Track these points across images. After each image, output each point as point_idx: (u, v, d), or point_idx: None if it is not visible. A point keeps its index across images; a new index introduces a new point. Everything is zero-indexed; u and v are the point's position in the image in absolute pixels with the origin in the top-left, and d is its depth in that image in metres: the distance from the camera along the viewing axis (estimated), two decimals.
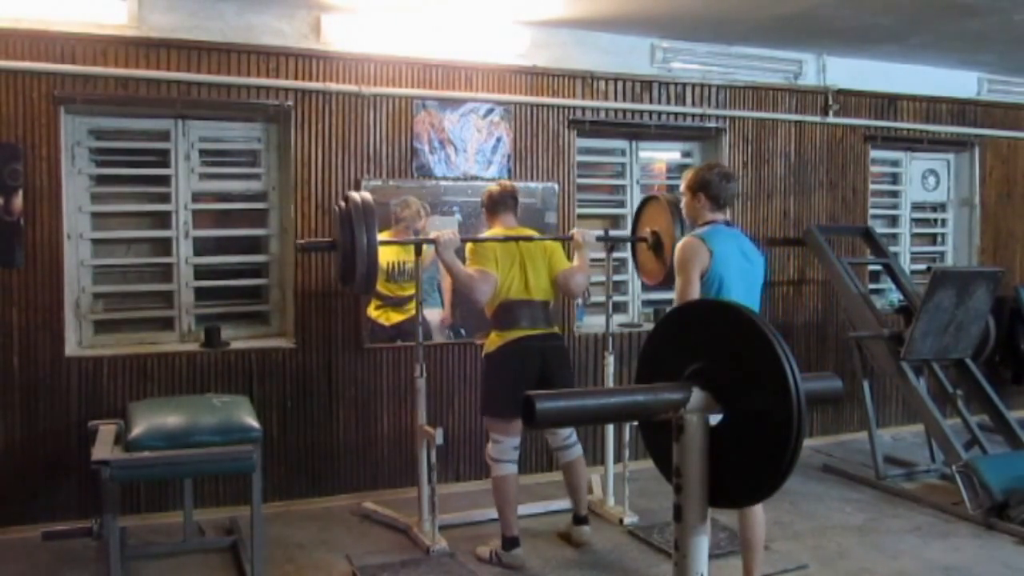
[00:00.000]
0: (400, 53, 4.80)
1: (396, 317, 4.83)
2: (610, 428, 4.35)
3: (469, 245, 4.04)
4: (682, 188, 3.57)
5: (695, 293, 3.24)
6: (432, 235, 4.04)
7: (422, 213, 4.88)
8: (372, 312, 4.85)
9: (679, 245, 3.37)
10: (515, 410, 3.73)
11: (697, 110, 5.58)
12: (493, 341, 3.95)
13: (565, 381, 3.94)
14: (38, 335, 4.24)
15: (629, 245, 5.65)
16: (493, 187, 4.19)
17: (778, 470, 1.69)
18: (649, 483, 4.63)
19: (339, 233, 3.86)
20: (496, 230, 4.09)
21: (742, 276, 3.33)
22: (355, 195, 3.90)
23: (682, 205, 3.64)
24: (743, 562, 3.42)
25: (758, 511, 3.36)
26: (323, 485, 4.74)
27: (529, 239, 4.06)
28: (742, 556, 3.43)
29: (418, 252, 4.12)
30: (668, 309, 3.44)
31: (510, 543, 3.88)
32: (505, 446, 3.91)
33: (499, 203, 4.10)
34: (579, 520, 4.13)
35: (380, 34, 4.74)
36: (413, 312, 4.28)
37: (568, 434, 4.09)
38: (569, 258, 4.33)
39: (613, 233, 4.81)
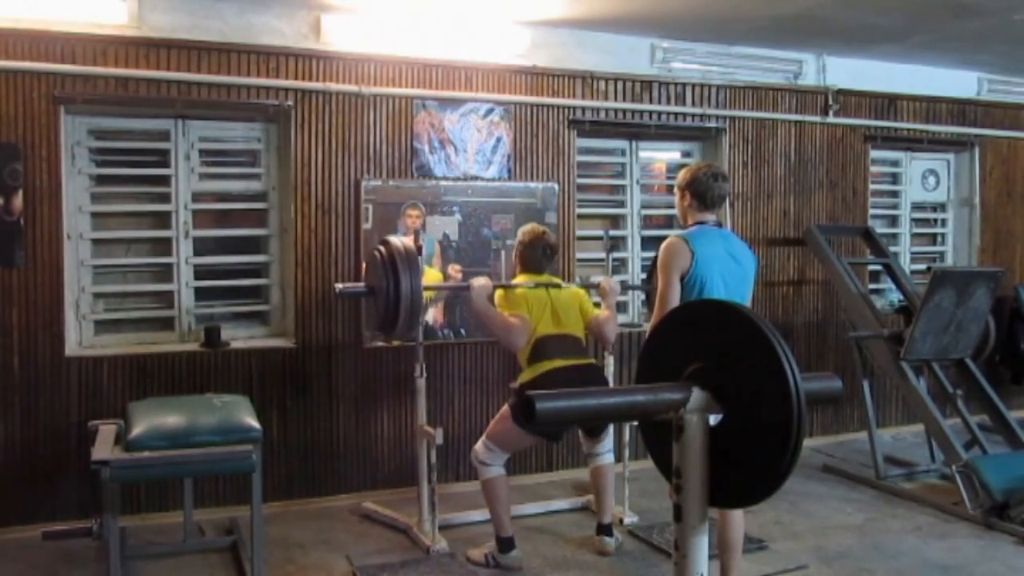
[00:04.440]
0: (400, 53, 4.80)
1: None
2: (610, 428, 4.34)
3: (499, 291, 4.06)
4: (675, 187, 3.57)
5: (675, 295, 3.20)
6: (468, 282, 4.07)
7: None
8: None
9: (662, 245, 3.33)
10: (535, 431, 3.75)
11: (697, 110, 5.58)
12: (524, 376, 3.90)
13: None
14: (38, 335, 4.24)
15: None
16: (528, 234, 4.13)
17: (778, 470, 1.69)
18: (649, 483, 4.63)
19: (380, 280, 3.90)
20: (523, 278, 4.10)
21: (728, 278, 3.29)
22: (396, 241, 3.97)
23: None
24: (720, 563, 3.35)
25: (738, 512, 3.31)
26: (323, 485, 4.74)
27: (558, 286, 4.10)
28: (720, 557, 3.34)
29: (419, 252, 4.12)
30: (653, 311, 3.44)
31: (506, 544, 3.85)
32: (499, 454, 3.89)
33: (532, 254, 4.08)
34: (602, 529, 4.06)
35: (380, 34, 4.74)
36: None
37: (606, 446, 4.12)
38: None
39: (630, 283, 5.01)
